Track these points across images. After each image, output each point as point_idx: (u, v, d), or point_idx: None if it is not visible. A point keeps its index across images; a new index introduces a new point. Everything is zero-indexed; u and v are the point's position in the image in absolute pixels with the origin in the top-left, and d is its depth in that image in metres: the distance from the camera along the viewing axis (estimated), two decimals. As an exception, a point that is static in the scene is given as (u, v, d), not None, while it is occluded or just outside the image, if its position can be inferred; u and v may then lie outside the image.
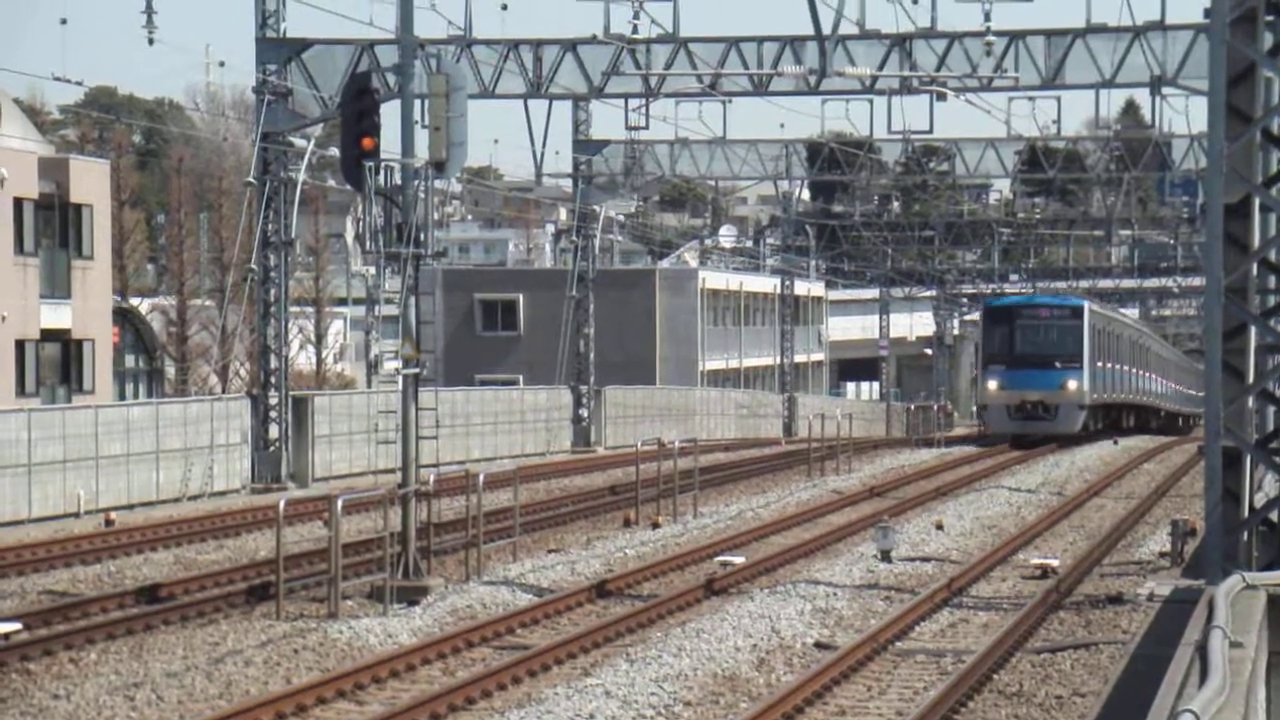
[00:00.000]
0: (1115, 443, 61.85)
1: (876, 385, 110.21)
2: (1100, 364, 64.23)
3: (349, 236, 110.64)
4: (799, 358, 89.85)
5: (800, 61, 43.01)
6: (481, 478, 29.65)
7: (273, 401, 44.93)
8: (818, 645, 22.55)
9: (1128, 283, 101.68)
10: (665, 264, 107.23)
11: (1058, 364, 61.56)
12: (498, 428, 56.48)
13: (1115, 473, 49.14)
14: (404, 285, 26.91)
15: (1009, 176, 74.09)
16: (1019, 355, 61.95)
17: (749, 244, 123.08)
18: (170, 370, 72.46)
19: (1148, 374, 79.53)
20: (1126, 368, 71.32)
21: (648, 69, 43.98)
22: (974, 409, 71.92)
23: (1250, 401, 21.72)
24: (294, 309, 60.74)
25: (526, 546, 32.16)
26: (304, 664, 21.31)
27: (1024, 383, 61.61)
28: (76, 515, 37.49)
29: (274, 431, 44.85)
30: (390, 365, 27.14)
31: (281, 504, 26.02)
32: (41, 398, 52.39)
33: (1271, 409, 23.08)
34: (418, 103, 27.94)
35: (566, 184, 69.22)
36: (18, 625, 23.18)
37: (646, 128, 53.27)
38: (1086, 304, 63.95)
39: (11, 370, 51.99)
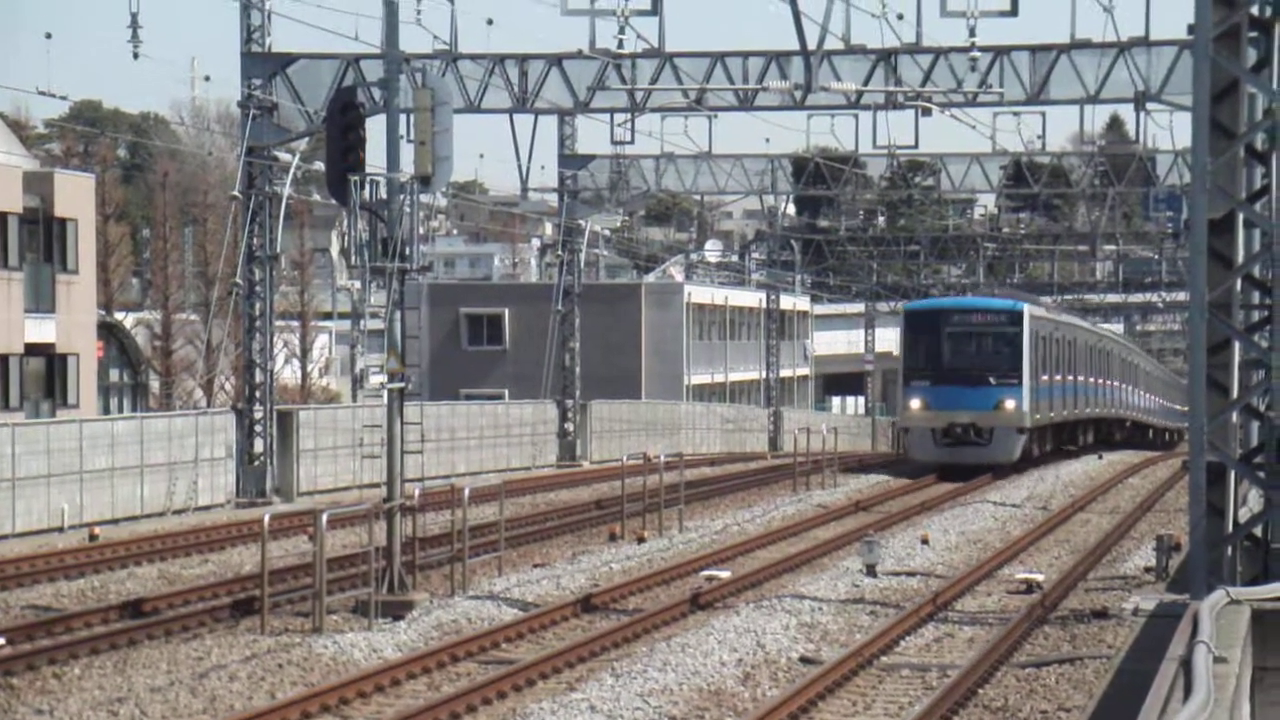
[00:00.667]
0: (1100, 457, 61.88)
1: (862, 400, 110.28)
2: (1045, 377, 55.58)
3: (334, 251, 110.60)
4: (784, 372, 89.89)
5: (785, 77, 43.06)
6: (466, 492, 29.63)
7: (258, 416, 44.88)
8: (803, 660, 22.54)
9: (1112, 297, 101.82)
10: (650, 278, 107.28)
11: (992, 379, 52.66)
12: (483, 442, 56.46)
13: (1100, 487, 49.20)
14: (389, 299, 26.89)
15: (994, 191, 74.21)
16: (946, 369, 52.86)
17: (734, 258, 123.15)
18: (155, 384, 72.36)
19: (1113, 384, 73.20)
20: (1085, 379, 63.73)
21: (633, 84, 44.02)
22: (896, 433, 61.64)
23: (1234, 416, 21.76)
24: (279, 323, 60.70)
25: (511, 561, 32.14)
26: (288, 679, 21.27)
27: (952, 402, 52.36)
28: (60, 530, 37.41)
29: (259, 446, 44.80)
30: (375, 380, 27.10)
31: (266, 519, 25.98)
32: (25, 412, 52.30)
33: (1255, 424, 23.11)
34: (403, 117, 27.91)
35: (552, 198, 69.25)
36: (1, 640, 23.12)
37: (632, 142, 53.31)
38: (1026, 307, 54.37)
39: (-4, 384, 51.85)
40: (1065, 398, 59.47)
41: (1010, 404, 52.58)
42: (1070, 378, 60.51)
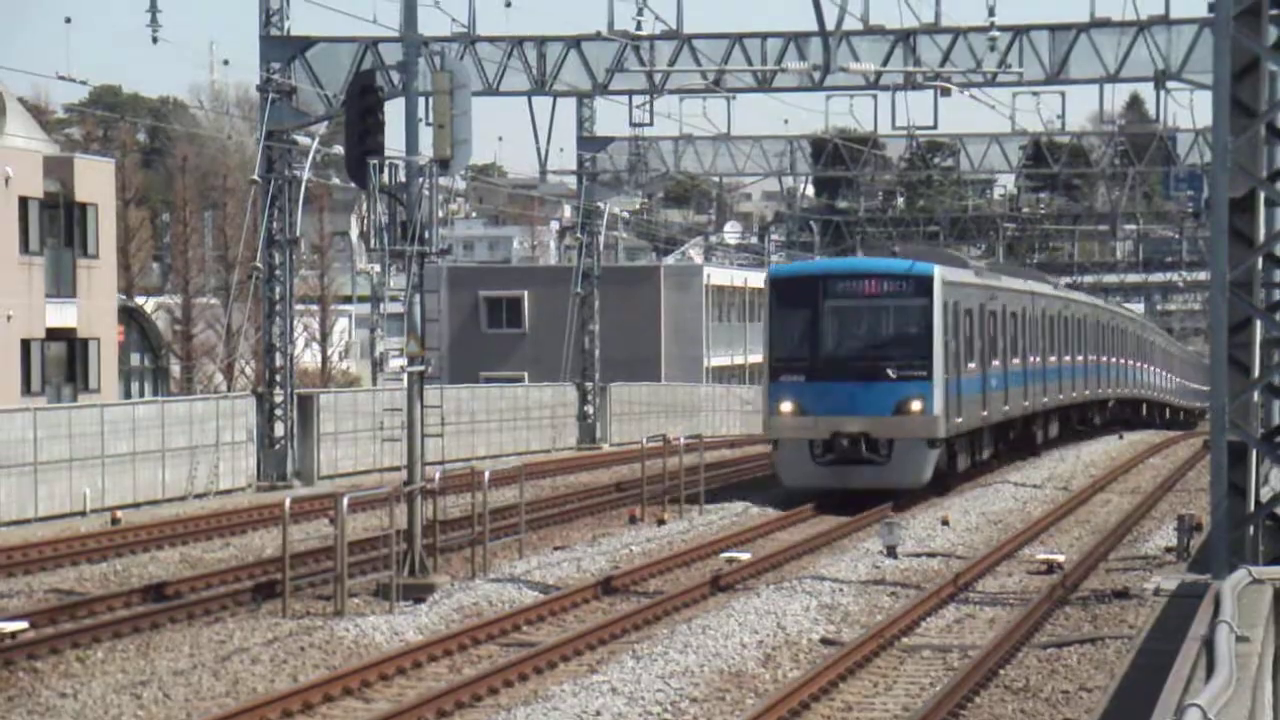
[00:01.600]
0: (1121, 437, 61.71)
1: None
2: (973, 365, 41.83)
3: (353, 234, 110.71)
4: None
5: (804, 57, 42.99)
6: (487, 475, 29.66)
7: (278, 399, 44.94)
8: (824, 641, 22.55)
9: (1133, 277, 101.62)
10: (670, 260, 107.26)
11: (891, 371, 38.41)
12: (503, 425, 56.49)
13: (1121, 467, 49.12)
14: (409, 283, 26.92)
15: (1013, 172, 74.06)
16: (827, 359, 38.62)
17: (754, 240, 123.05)
18: (175, 369, 72.49)
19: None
20: (1041, 359, 51.02)
21: (652, 65, 43.97)
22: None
23: (1256, 395, 21.71)
24: (299, 307, 60.76)
25: (532, 544, 32.17)
26: (310, 662, 21.32)
27: (835, 404, 38.31)
28: (82, 514, 37.51)
29: (279, 429, 44.86)
30: (395, 363, 27.12)
31: (287, 502, 26.04)
32: (47, 397, 52.41)
33: (1277, 403, 23.06)
34: (422, 100, 27.91)
35: (571, 181, 69.26)
36: (24, 624, 23.20)
37: (651, 124, 53.32)
38: (938, 270, 39.48)
39: (17, 369, 52.00)
40: (1011, 389, 46.08)
41: (916, 405, 38.04)
42: (1025, 360, 48.26)
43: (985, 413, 43.12)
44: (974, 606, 25.33)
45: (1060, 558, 29.15)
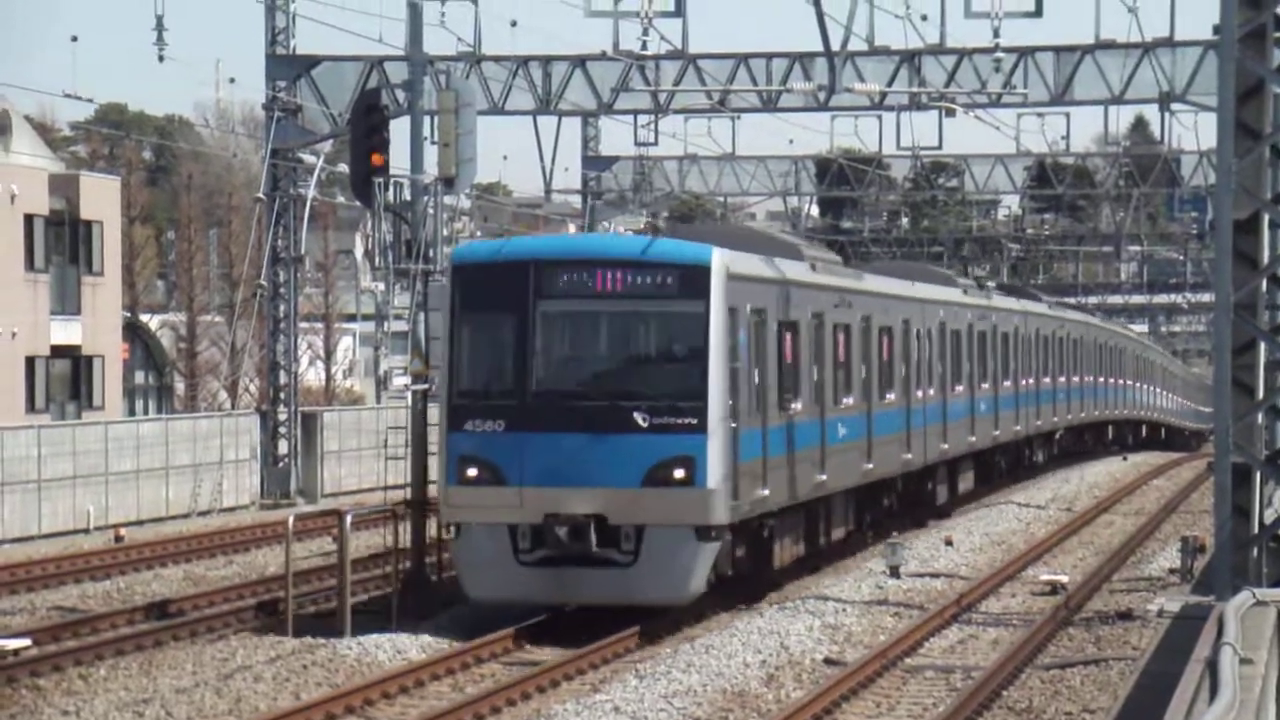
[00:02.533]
0: (1124, 459, 61.64)
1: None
2: (795, 405, 28.14)
3: (358, 252, 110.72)
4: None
5: (809, 78, 43.04)
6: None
7: (282, 417, 44.95)
8: (827, 661, 22.53)
9: (1137, 298, 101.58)
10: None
11: (641, 417, 24.65)
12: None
13: (1124, 489, 49.07)
14: (413, 301, 26.94)
15: (1018, 192, 74.17)
16: (539, 396, 24.88)
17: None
18: (180, 386, 72.51)
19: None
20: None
21: (657, 85, 44.03)
22: None
23: (1260, 418, 21.71)
24: (303, 325, 60.80)
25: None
26: (313, 680, 21.31)
27: (551, 468, 24.60)
28: (86, 531, 37.51)
29: (283, 447, 44.87)
30: (400, 381, 27.17)
31: (291, 520, 26.05)
32: (51, 414, 52.42)
33: (1281, 425, 23.06)
34: (427, 119, 28.01)
35: (576, 200, 69.29)
36: (27, 641, 23.21)
37: (656, 144, 53.37)
38: (719, 256, 25.15)
39: (22, 386, 52.02)
40: (883, 437, 33.45)
41: (680, 471, 24.38)
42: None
43: (823, 476, 29.29)
44: (977, 627, 25.31)
45: (1064, 578, 29.12)
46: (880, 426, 33.21)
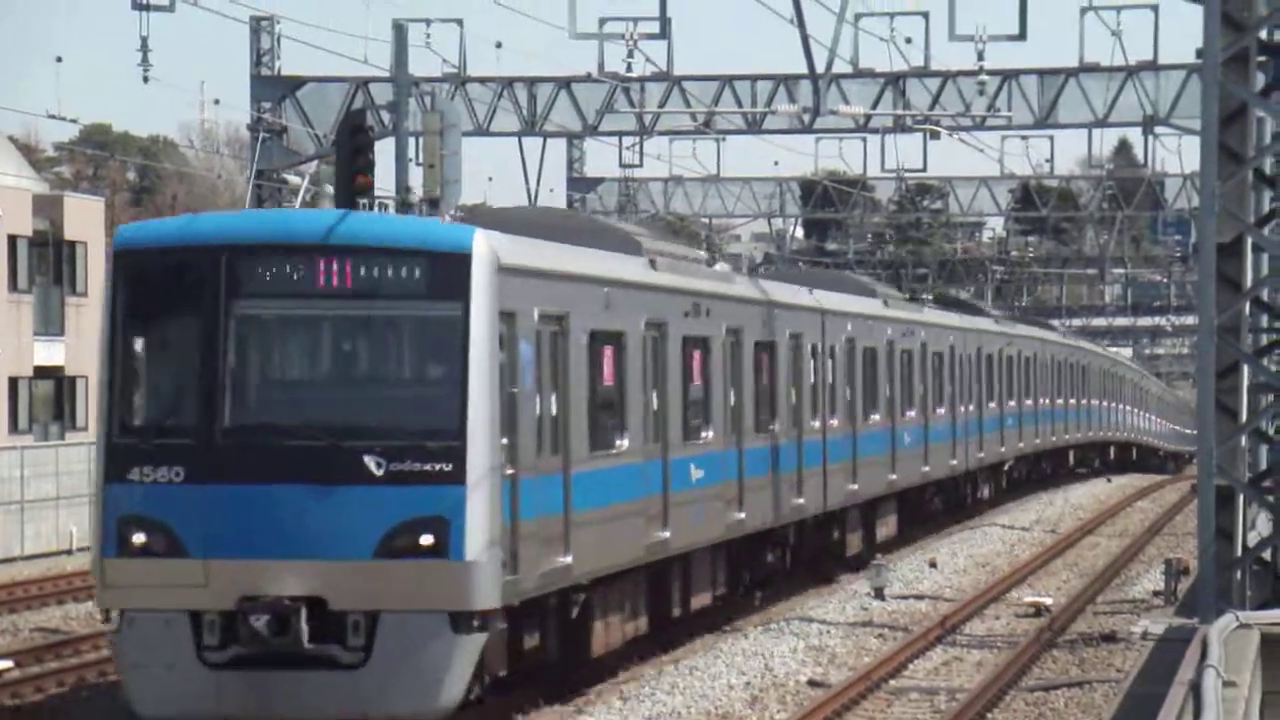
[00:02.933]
0: (1109, 480, 61.69)
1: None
2: (619, 440, 22.04)
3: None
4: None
5: (794, 100, 43.14)
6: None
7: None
8: (811, 683, 22.52)
9: (1121, 321, 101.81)
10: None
11: (374, 462, 17.85)
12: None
13: (1109, 511, 49.11)
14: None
15: (1002, 215, 74.35)
16: (232, 433, 17.97)
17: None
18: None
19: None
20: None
21: (642, 107, 44.10)
22: None
23: (1243, 440, 21.75)
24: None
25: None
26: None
27: (246, 533, 17.77)
28: (69, 552, 37.42)
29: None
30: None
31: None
32: (35, 435, 52.34)
33: (1264, 448, 23.11)
34: (412, 140, 28.01)
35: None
36: (10, 663, 23.13)
37: (640, 165, 53.47)
38: (482, 240, 18.36)
39: (4, 407, 51.94)
40: (756, 479, 27.21)
41: (428, 538, 17.87)
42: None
43: (665, 533, 23.19)
44: (961, 649, 25.31)
45: (1048, 600, 29.14)
46: (755, 466, 27.06)
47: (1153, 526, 44.14)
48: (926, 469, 38.98)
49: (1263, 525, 22.79)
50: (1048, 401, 54.37)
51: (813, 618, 27.17)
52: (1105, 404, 67.86)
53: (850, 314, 33.62)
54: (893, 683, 22.65)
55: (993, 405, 46.13)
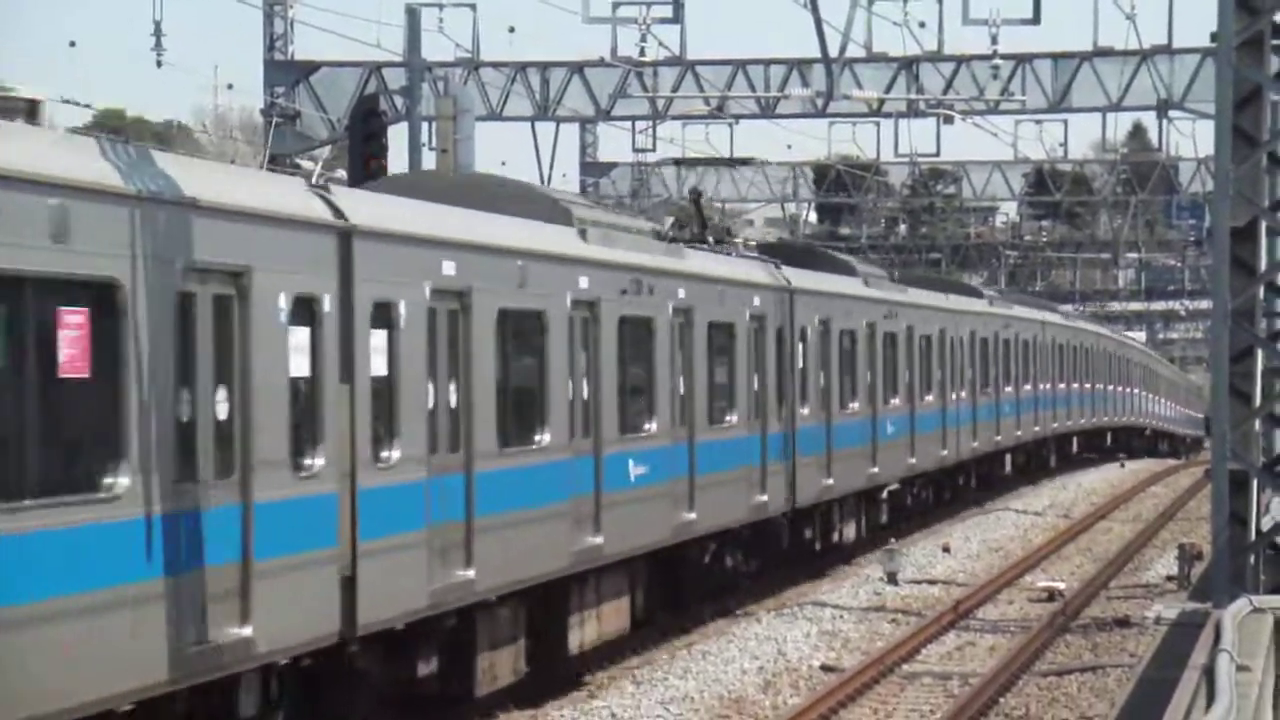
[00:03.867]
0: (1122, 465, 61.59)
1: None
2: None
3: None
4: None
5: (807, 84, 43.12)
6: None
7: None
8: (824, 668, 22.53)
9: (1135, 305, 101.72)
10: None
11: None
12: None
13: (1122, 496, 49.08)
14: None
15: (1016, 199, 74.29)
16: None
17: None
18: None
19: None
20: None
21: (655, 91, 44.09)
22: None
23: (1257, 424, 21.74)
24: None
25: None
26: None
27: None
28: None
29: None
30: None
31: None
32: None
33: (1278, 432, 23.08)
34: (425, 125, 28.05)
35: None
36: None
37: (653, 150, 53.43)
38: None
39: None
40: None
41: None
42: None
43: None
44: (974, 634, 25.31)
45: (1061, 585, 29.13)
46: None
47: (1166, 511, 44.11)
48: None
49: (1276, 510, 22.76)
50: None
51: (825, 602, 27.18)
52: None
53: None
54: (906, 667, 22.66)
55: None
